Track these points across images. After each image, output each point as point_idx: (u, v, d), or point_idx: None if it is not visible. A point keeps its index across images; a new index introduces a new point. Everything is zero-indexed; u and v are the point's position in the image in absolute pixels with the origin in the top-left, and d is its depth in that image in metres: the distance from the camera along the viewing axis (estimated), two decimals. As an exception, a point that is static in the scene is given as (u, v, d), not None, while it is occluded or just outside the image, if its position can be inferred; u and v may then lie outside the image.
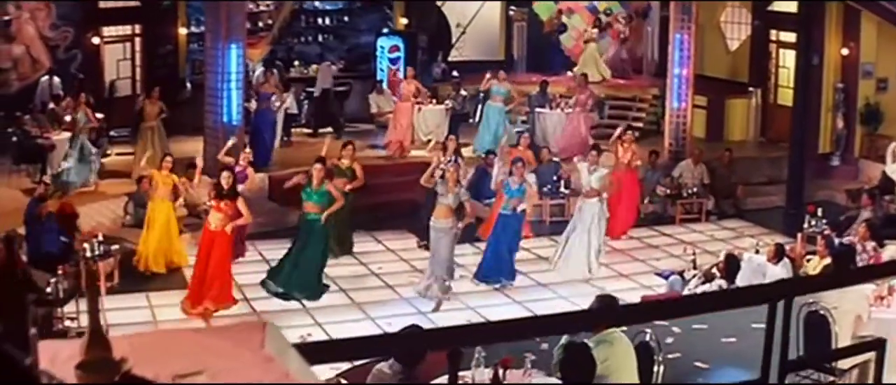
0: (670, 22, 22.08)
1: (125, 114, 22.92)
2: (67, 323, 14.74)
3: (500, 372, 8.94)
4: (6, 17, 22.34)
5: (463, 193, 15.65)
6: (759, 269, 14.34)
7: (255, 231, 18.43)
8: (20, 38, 22.71)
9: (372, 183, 19.85)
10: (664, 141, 22.32)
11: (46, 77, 22.40)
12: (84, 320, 14.92)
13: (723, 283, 13.32)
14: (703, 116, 23.97)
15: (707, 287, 13.45)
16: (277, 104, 23.74)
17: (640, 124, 24.60)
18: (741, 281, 14.43)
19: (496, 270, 16.48)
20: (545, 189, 20.26)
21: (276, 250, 17.96)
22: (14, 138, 19.75)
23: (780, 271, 13.81)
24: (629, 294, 15.77)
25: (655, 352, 9.14)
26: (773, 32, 23.79)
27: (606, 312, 5.48)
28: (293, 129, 24.73)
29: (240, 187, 17.51)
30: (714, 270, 13.82)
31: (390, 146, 22.81)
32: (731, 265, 13.43)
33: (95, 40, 23.69)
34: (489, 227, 17.27)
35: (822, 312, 9.54)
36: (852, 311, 9.69)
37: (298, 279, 15.89)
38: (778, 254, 14.03)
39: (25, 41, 22.77)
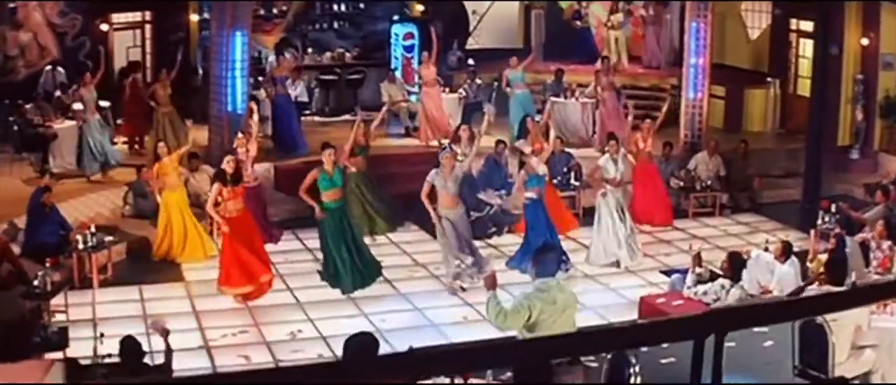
0: (686, 10, 21.37)
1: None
2: (57, 316, 14.39)
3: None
4: (12, 4, 21.92)
5: (458, 175, 15.19)
6: (767, 267, 13.74)
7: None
8: (28, 25, 22.33)
9: (380, 173, 19.48)
10: (680, 132, 21.61)
11: (50, 67, 22.00)
12: (73, 313, 14.56)
13: (726, 282, 12.70)
14: (722, 107, 23.31)
15: (708, 287, 12.82)
16: (297, 88, 23.41)
17: (659, 115, 23.90)
18: (749, 279, 13.82)
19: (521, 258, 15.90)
20: (555, 181, 19.69)
21: (284, 241, 17.60)
22: (15, 127, 19.37)
23: (788, 270, 13.20)
24: (634, 291, 15.21)
25: (632, 365, 8.53)
26: (794, 21, 23.08)
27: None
28: (304, 118, 24.27)
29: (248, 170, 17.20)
30: (715, 269, 13.17)
31: (420, 134, 22.31)
32: (734, 263, 12.79)
33: (104, 27, 23.28)
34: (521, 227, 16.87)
35: (819, 321, 8.93)
36: (852, 321, 9.06)
37: (368, 269, 15.60)
38: (786, 252, 13.40)
39: (33, 28, 22.39)
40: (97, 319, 14.53)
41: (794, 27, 23.15)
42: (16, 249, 15.95)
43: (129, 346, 10.79)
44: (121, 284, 15.89)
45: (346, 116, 25.49)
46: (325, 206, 15.27)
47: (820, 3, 18.52)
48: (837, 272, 9.07)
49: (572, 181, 19.74)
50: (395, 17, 26.76)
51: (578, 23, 27.59)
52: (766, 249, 14.31)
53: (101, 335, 12.66)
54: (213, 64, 20.22)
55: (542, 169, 16.07)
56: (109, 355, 11.69)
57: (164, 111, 20.30)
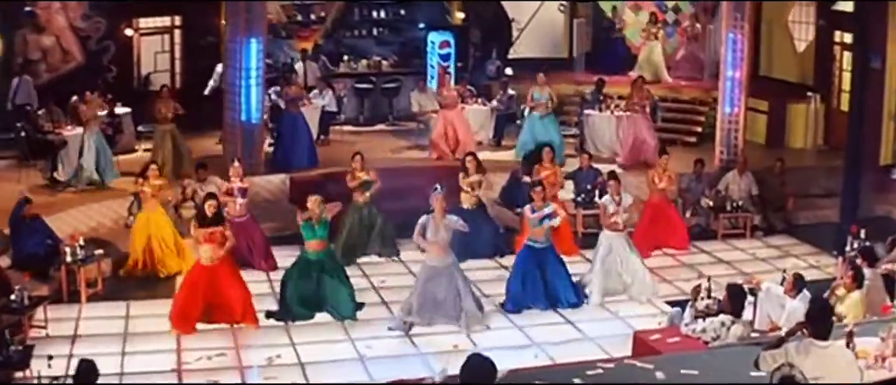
0: (723, 20, 20.11)
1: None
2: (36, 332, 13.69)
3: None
4: (28, 8, 21.30)
5: (452, 220, 13.85)
6: (777, 300, 12.52)
7: (273, 235, 17.20)
8: (50, 29, 21.73)
9: (398, 186, 18.54)
10: (715, 148, 20.36)
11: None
12: (54, 328, 13.84)
13: (727, 318, 11.51)
14: (764, 122, 22.00)
15: (707, 323, 11.64)
16: (324, 97, 22.60)
17: (699, 129, 22.76)
18: (760, 314, 12.65)
19: (522, 297, 14.75)
20: (579, 198, 18.63)
21: (294, 255, 16.50)
22: (22, 133, 18.73)
23: (798, 306, 11.87)
24: (642, 322, 14.03)
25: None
26: (838, 33, 21.67)
27: None
28: (334, 127, 23.44)
29: (239, 202, 16.30)
30: (714, 303, 11.95)
31: (432, 150, 21.31)
32: (734, 297, 11.59)
33: (129, 32, 22.62)
34: (522, 240, 15.60)
35: (798, 379, 7.76)
36: (840, 378, 7.86)
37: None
38: (797, 285, 12.15)
39: (55, 32, 21.79)
40: (77, 336, 13.80)
41: (837, 39, 21.75)
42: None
43: (83, 368, 9.95)
44: (110, 299, 15.15)
45: (381, 126, 24.76)
46: (303, 254, 14.36)
47: (859, 13, 17.18)
48: (818, 324, 7.85)
49: (596, 199, 18.58)
50: (421, 25, 25.83)
51: (628, 32, 26.44)
52: (784, 280, 13.04)
53: (50, 357, 12.03)
54: (226, 71, 19.39)
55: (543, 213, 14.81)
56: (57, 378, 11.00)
57: (165, 128, 19.45)
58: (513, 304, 14.70)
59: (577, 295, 14.95)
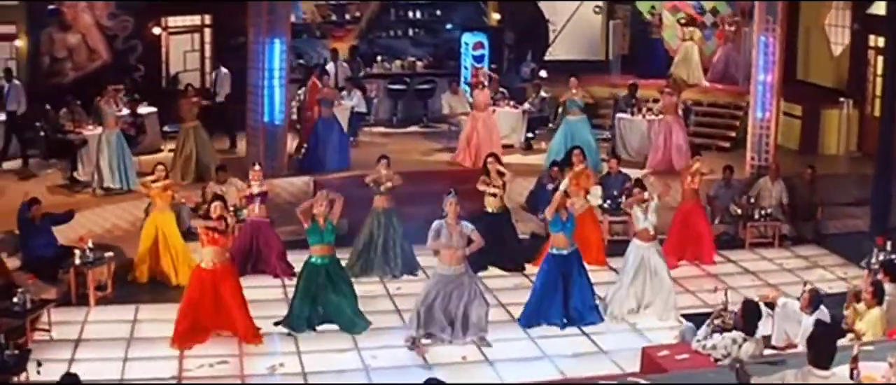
0: (755, 23, 19.45)
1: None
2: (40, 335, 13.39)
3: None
4: (53, 6, 21.06)
5: (466, 226, 13.24)
6: (795, 317, 11.87)
7: (293, 239, 16.73)
8: (76, 27, 21.50)
9: (428, 190, 18.11)
10: (747, 154, 19.72)
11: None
12: (59, 332, 13.53)
13: (739, 336, 10.95)
14: (798, 127, 21.32)
15: (718, 340, 11.08)
16: (353, 98, 22.23)
17: (733, 134, 22.10)
18: (777, 330, 12.05)
19: (536, 314, 14.11)
20: (606, 204, 18.08)
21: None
22: (42, 133, 18.49)
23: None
24: (662, 335, 13.47)
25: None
26: (872, 38, 20.93)
27: None
28: (365, 129, 23.08)
29: (257, 209, 15.90)
30: (730, 316, 11.37)
31: (458, 155, 20.82)
32: (748, 314, 11.02)
33: (157, 30, 22.35)
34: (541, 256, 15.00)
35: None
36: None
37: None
38: (813, 302, 11.53)
39: (82, 30, 21.55)
40: (80, 340, 13.48)
41: (872, 44, 21.01)
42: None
43: (66, 383, 9.63)
44: (119, 303, 14.82)
45: (415, 128, 24.35)
46: (309, 260, 13.80)
47: (891, 16, 16.49)
48: (818, 350, 7.24)
49: (622, 205, 18.03)
50: (449, 26, 25.35)
51: (665, 34, 25.83)
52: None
53: (39, 363, 11.79)
54: (249, 72, 19.04)
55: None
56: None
57: (190, 125, 19.08)
58: (525, 320, 14.09)
59: (597, 315, 14.24)
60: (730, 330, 11.30)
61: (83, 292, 14.71)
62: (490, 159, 16.61)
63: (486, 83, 21.80)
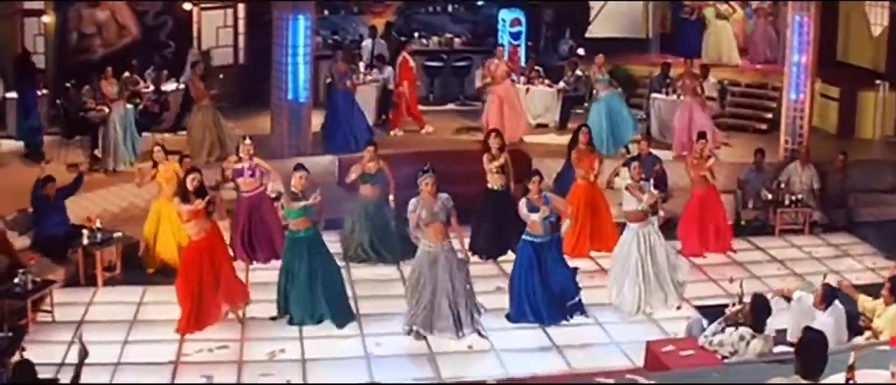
0: (790, 2, 18.60)
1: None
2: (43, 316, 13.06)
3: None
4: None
5: (444, 198, 12.52)
6: (808, 312, 11.16)
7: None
8: (105, 2, 21.04)
9: (453, 170, 17.51)
10: (780, 137, 18.90)
11: None
12: (64, 313, 13.17)
13: (747, 332, 10.29)
14: (836, 110, 20.44)
15: (726, 336, 10.43)
16: (385, 72, 21.66)
17: (770, 115, 21.25)
18: (792, 326, 11.32)
19: (519, 309, 13.23)
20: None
21: (334, 241, 15.29)
22: (62, 110, 18.12)
23: (827, 321, 10.59)
24: (676, 325, 12.74)
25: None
26: (910, 17, 20.02)
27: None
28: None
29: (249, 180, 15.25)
30: (739, 313, 10.68)
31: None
32: (757, 309, 10.35)
33: (187, 6, 21.87)
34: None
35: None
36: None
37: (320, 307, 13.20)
38: (827, 298, 10.81)
39: (111, 6, 21.08)
40: (83, 321, 13.08)
41: (910, 24, 20.10)
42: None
43: (22, 368, 9.24)
44: (127, 284, 14.42)
45: (451, 105, 23.77)
46: (289, 233, 13.23)
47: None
48: (807, 360, 6.58)
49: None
50: (487, 2, 24.60)
51: (706, 11, 24.93)
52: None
53: (23, 348, 11.45)
54: (273, 49, 18.51)
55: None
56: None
57: (202, 104, 18.49)
58: (515, 313, 13.26)
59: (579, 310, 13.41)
60: (741, 323, 10.68)
61: (91, 273, 14.34)
62: (492, 135, 15.93)
63: (499, 59, 20.99)
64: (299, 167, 13.38)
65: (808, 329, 7.24)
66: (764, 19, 23.72)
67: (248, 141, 15.17)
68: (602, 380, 9.74)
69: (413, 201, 12.55)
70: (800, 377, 6.91)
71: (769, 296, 11.41)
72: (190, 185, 12.78)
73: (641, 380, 9.61)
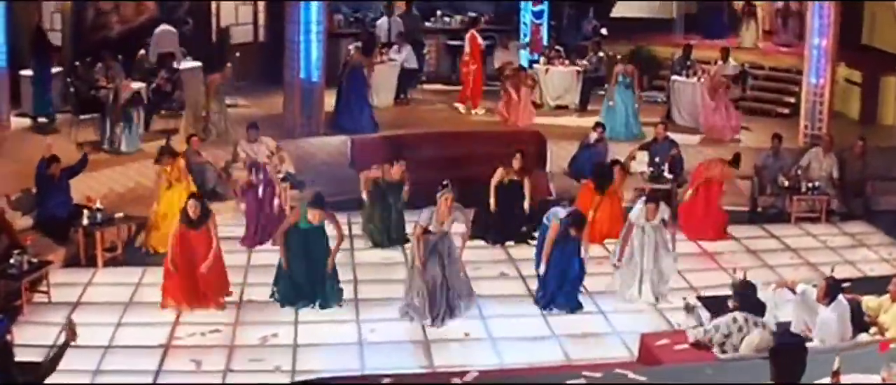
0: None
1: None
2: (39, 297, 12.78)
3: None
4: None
5: (458, 215, 12.31)
6: (813, 306, 10.65)
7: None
8: (123, -22, 20.75)
9: (468, 152, 17.40)
10: (800, 122, 18.33)
11: None
12: (60, 294, 12.89)
13: (740, 315, 9.78)
14: (858, 94, 19.79)
15: (717, 322, 9.93)
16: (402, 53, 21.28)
17: (792, 99, 20.61)
18: (796, 319, 10.84)
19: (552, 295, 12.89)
20: (649, 170, 16.94)
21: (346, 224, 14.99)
22: (72, 89, 17.82)
23: (830, 316, 10.06)
24: (680, 315, 12.27)
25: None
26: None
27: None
28: (421, 86, 22.29)
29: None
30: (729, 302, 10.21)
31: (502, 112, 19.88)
32: (745, 296, 9.85)
33: (207, -18, 21.54)
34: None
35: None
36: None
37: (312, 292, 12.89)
38: (830, 293, 10.29)
39: (129, -18, 20.79)
40: (79, 303, 12.80)
41: (936, 7, 19.38)
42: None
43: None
44: (129, 265, 14.12)
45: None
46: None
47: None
48: (780, 368, 6.08)
49: (665, 173, 16.85)
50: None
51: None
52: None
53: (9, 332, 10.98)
54: (287, 27, 18.12)
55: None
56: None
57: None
58: (544, 301, 12.87)
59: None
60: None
61: (93, 253, 14.06)
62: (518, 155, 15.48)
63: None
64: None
65: (786, 333, 6.76)
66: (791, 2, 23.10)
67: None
68: (589, 373, 9.30)
69: (426, 213, 12.23)
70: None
71: (772, 288, 11.00)
72: (191, 213, 12.44)
73: (630, 375, 9.20)
